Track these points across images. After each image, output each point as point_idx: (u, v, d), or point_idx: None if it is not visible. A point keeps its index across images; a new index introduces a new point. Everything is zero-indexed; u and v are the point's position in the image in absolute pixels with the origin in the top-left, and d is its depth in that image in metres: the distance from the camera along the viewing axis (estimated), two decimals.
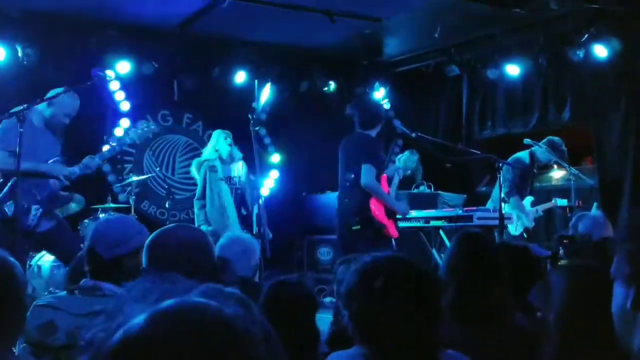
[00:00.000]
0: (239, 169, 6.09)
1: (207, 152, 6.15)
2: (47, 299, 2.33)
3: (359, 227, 4.91)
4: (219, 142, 6.08)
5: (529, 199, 6.26)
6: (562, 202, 6.20)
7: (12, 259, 1.76)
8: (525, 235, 6.10)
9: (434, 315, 1.68)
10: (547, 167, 6.70)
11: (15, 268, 1.72)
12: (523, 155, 6.16)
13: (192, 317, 0.75)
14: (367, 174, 4.86)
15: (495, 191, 6.14)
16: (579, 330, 1.74)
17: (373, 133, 5.14)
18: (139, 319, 0.75)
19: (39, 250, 5.44)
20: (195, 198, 6.11)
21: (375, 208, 4.92)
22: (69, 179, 4.55)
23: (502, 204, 5.85)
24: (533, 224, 6.17)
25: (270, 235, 5.81)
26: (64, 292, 2.40)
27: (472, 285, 2.27)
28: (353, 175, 4.98)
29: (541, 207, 6.25)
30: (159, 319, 0.75)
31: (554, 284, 1.87)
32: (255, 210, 5.91)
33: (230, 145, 6.07)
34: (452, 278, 2.31)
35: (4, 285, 1.66)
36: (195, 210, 6.08)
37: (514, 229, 6.09)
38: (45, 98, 4.49)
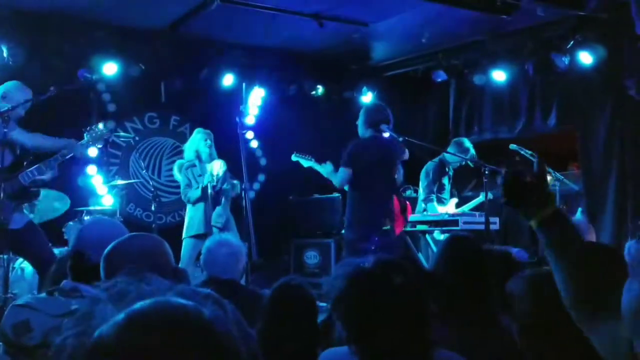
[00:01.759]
0: (216, 168, 6.04)
1: (186, 153, 6.23)
2: (25, 299, 2.31)
3: (388, 227, 5.06)
4: (199, 144, 6.11)
5: (453, 200, 6.62)
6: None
7: None
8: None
9: (424, 315, 1.69)
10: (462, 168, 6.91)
11: None
12: (432, 161, 6.66)
13: (170, 318, 0.74)
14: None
15: (481, 197, 6.24)
16: (546, 337, 1.74)
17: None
18: (115, 320, 0.74)
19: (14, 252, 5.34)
20: (188, 201, 6.09)
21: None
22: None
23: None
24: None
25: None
26: (44, 294, 2.38)
27: (461, 287, 2.29)
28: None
29: (467, 206, 6.55)
30: (136, 320, 0.73)
31: (514, 292, 1.87)
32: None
33: (209, 146, 6.10)
34: (441, 281, 2.32)
35: None
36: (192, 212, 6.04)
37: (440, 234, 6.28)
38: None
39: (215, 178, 5.89)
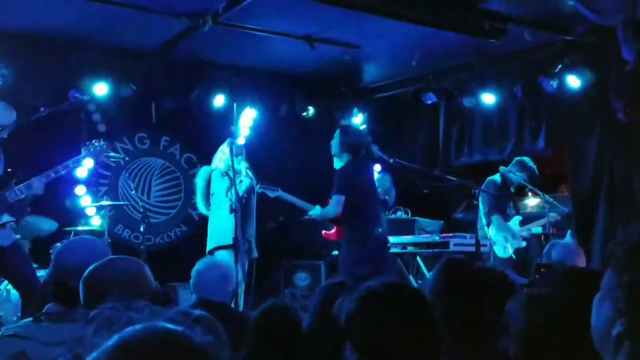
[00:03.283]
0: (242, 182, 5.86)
1: (215, 163, 6.01)
2: (12, 329, 2.24)
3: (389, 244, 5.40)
4: (227, 159, 5.74)
5: (517, 218, 6.31)
6: (537, 229, 6.26)
7: None
8: (514, 257, 6.13)
9: (434, 337, 1.69)
10: (520, 190, 6.80)
11: None
12: (495, 176, 6.33)
13: (160, 344, 0.74)
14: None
15: (480, 218, 6.22)
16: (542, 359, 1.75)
17: None
18: (105, 346, 0.73)
19: None
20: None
21: None
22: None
23: (488, 229, 5.98)
24: (524, 243, 6.21)
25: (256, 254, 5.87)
26: (29, 320, 2.32)
27: (456, 310, 2.28)
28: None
29: (533, 225, 6.31)
30: (126, 346, 0.73)
31: (511, 313, 1.88)
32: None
33: (240, 161, 5.90)
34: (436, 304, 2.32)
35: None
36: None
37: (502, 250, 6.12)
38: None
39: (241, 189, 5.66)
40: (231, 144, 5.63)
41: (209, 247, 5.74)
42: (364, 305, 1.69)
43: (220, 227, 5.66)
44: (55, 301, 2.32)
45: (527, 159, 6.42)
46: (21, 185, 4.46)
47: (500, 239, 6.07)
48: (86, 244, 2.58)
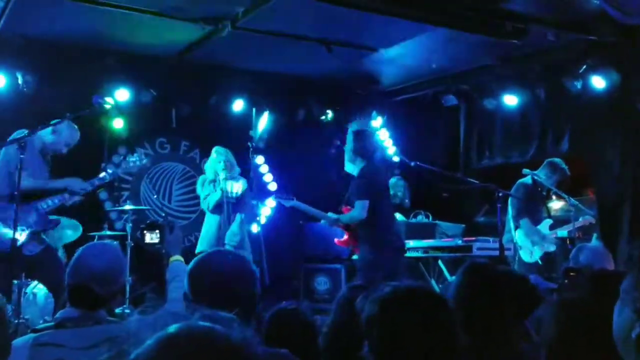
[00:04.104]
0: (236, 187, 6.04)
1: (207, 172, 6.23)
2: (43, 338, 2.20)
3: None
4: (215, 165, 6.09)
5: (547, 222, 6.20)
6: (562, 233, 6.16)
7: None
8: (540, 262, 6.01)
9: (452, 341, 1.67)
10: (556, 189, 6.68)
11: None
12: (525, 179, 6.22)
13: (202, 341, 0.78)
14: None
15: (508, 222, 6.13)
16: None
17: None
18: (149, 343, 0.77)
19: (28, 276, 5.36)
20: (207, 208, 6.12)
21: None
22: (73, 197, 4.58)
23: (516, 232, 5.89)
24: (554, 247, 6.08)
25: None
26: (49, 325, 2.30)
27: (480, 315, 2.27)
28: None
29: (565, 228, 6.16)
30: (170, 342, 0.77)
31: (543, 318, 1.87)
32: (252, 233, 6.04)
33: (223, 169, 6.01)
34: (460, 308, 2.30)
35: None
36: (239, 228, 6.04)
37: (529, 255, 6.02)
38: (50, 124, 4.55)
39: (231, 194, 5.91)
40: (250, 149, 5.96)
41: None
42: (383, 307, 1.69)
43: (204, 230, 6.15)
44: (73, 305, 2.32)
45: (557, 160, 6.29)
46: (54, 197, 4.53)
47: (527, 244, 5.98)
48: (106, 248, 2.58)
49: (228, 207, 5.93)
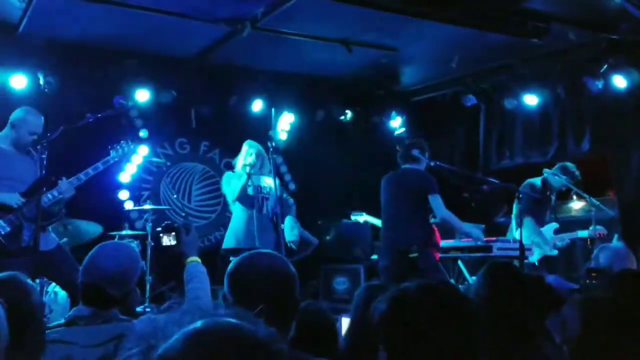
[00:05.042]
0: (268, 182, 5.70)
1: (236, 167, 5.87)
2: (53, 335, 2.24)
3: (416, 254, 5.22)
4: (245, 158, 5.73)
5: (552, 225, 6.16)
6: (583, 233, 6.10)
7: (29, 282, 1.78)
8: (537, 264, 6.00)
9: (472, 342, 1.64)
10: (565, 194, 6.61)
11: (32, 291, 1.73)
12: (534, 180, 6.18)
13: (229, 336, 0.79)
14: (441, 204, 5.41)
15: (512, 220, 6.11)
16: None
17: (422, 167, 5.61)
18: (177, 337, 0.78)
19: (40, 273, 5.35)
20: (233, 200, 5.72)
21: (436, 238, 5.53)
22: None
23: (516, 231, 5.85)
24: (555, 252, 6.04)
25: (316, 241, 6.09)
26: (60, 322, 2.34)
27: (502, 314, 2.27)
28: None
29: (568, 236, 6.14)
30: (195, 339, 0.78)
31: (568, 317, 1.87)
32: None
33: (254, 163, 5.65)
34: (481, 307, 2.30)
35: (22, 307, 1.67)
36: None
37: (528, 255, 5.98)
38: (9, 122, 4.55)
39: (264, 190, 5.61)
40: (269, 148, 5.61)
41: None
42: (394, 305, 1.66)
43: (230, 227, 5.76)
44: (85, 303, 2.34)
45: (570, 165, 6.23)
46: (53, 189, 4.53)
47: (527, 244, 5.92)
48: (121, 249, 2.59)
49: (261, 202, 5.58)
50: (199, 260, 2.81)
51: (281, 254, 5.15)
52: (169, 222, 2.95)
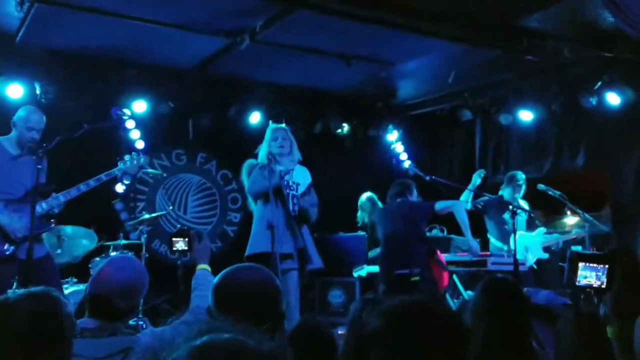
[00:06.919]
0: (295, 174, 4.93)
1: (260, 157, 4.98)
2: None
3: (417, 278, 5.38)
4: (270, 145, 4.90)
5: (541, 230, 6.40)
6: (577, 248, 6.13)
7: (62, 297, 1.79)
8: (535, 267, 6.21)
9: (463, 355, 1.64)
10: (562, 206, 6.73)
11: (64, 306, 1.74)
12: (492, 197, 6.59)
13: (233, 351, 0.80)
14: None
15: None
16: None
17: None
18: (179, 354, 0.80)
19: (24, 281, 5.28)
20: (254, 199, 4.90)
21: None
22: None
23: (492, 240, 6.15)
24: (546, 255, 6.37)
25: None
26: None
27: (498, 329, 2.27)
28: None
29: (560, 237, 6.45)
30: (200, 354, 0.79)
31: (562, 331, 1.89)
32: None
33: (280, 146, 4.83)
34: (479, 322, 2.31)
35: (53, 322, 1.68)
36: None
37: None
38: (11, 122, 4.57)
39: (292, 183, 4.70)
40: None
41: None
42: (384, 321, 1.65)
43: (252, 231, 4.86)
44: (91, 316, 2.35)
45: (515, 173, 6.70)
46: (42, 201, 4.49)
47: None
48: (129, 263, 2.61)
49: (288, 199, 4.68)
50: (209, 268, 2.83)
51: (307, 258, 4.70)
52: (183, 227, 2.98)
